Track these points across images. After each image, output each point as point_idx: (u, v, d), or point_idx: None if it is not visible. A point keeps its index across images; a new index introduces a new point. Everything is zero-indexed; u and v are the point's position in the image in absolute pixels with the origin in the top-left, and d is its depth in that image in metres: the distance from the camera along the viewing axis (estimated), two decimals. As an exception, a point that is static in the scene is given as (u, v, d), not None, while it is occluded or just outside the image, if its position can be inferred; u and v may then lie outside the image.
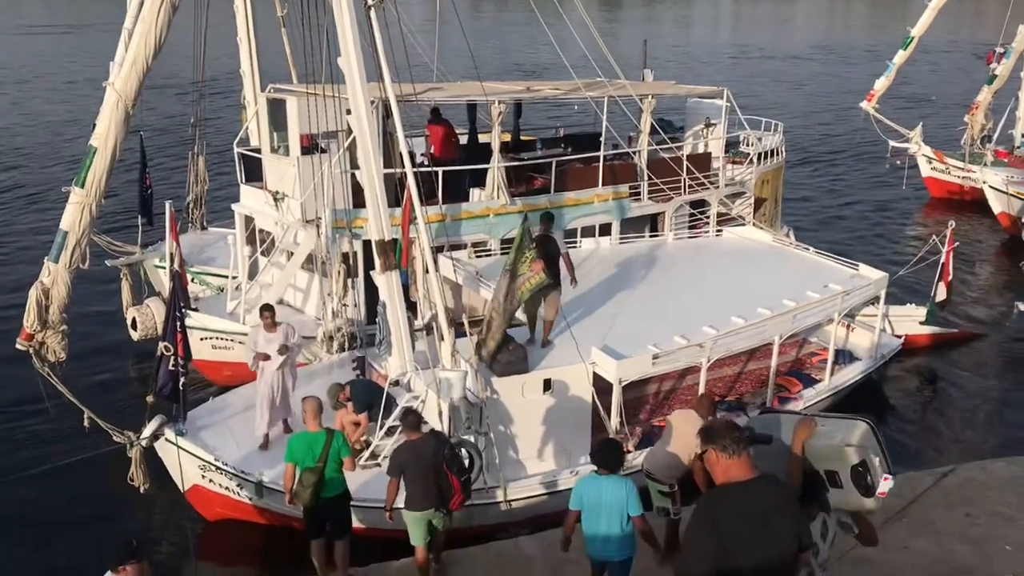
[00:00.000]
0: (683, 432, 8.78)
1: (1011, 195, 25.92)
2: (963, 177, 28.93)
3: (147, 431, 10.82)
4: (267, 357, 11.90)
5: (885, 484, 5.99)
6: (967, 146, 29.55)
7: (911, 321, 17.46)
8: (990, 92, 29.51)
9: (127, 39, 13.92)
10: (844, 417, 6.29)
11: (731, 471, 4.85)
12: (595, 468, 8.12)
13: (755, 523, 4.71)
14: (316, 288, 15.27)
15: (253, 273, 16.54)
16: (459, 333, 12.04)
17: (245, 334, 14.86)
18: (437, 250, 12.23)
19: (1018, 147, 29.03)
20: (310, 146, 15.01)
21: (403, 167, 11.80)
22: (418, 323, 12.90)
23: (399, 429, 10.68)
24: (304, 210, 14.95)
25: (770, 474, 5.02)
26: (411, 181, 11.59)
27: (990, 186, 26.35)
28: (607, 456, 8.14)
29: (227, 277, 16.39)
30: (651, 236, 17.90)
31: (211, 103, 29.99)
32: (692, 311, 13.52)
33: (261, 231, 16.69)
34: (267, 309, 12.17)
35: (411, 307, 13.18)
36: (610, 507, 7.87)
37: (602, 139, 17.62)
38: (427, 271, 11.92)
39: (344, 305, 14.45)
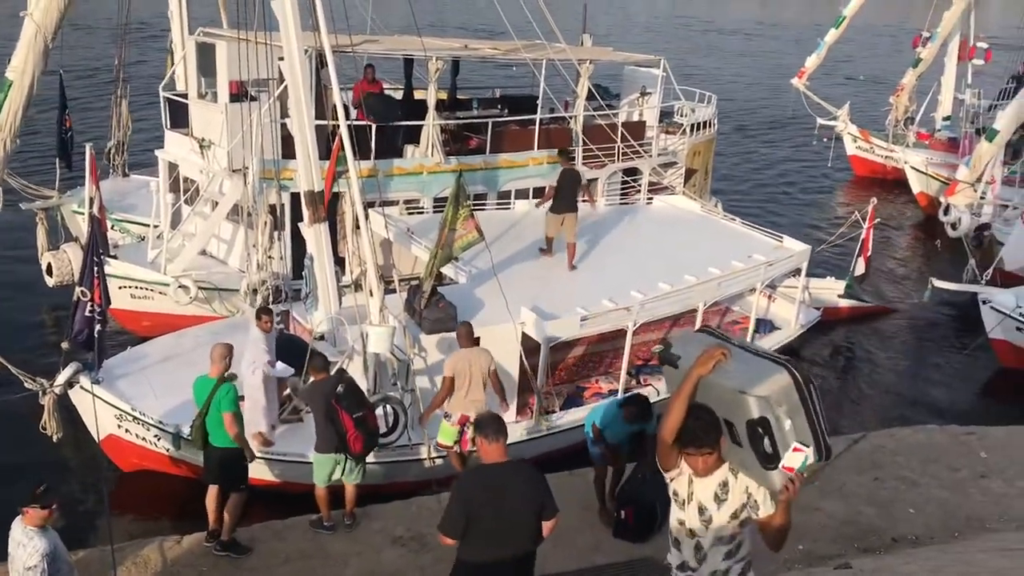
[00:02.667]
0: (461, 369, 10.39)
1: (930, 176, 26.72)
2: (886, 157, 29.67)
3: (61, 378, 10.47)
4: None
5: (794, 457, 4.32)
6: (891, 127, 30.32)
7: (830, 293, 17.94)
8: (915, 75, 30.17)
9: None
10: (773, 359, 4.66)
11: (491, 455, 5.84)
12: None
13: (495, 498, 5.72)
14: (241, 239, 14.95)
15: (176, 222, 16.08)
16: (388, 290, 11.94)
17: (166, 284, 14.55)
18: (368, 205, 12.08)
19: (939, 130, 29.82)
20: (239, 93, 14.61)
21: (335, 119, 11.58)
22: (346, 279, 12.74)
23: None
24: (231, 159, 14.58)
25: (518, 460, 6.10)
26: (344, 134, 11.38)
27: (911, 167, 27.11)
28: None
29: (148, 226, 15.93)
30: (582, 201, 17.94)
31: (137, 46, 28.97)
32: (620, 276, 13.68)
33: (185, 179, 16.20)
34: (266, 312, 11.31)
35: (338, 262, 13.00)
36: None
37: (539, 102, 17.54)
38: (357, 227, 11.76)
39: (269, 258, 14.17)
